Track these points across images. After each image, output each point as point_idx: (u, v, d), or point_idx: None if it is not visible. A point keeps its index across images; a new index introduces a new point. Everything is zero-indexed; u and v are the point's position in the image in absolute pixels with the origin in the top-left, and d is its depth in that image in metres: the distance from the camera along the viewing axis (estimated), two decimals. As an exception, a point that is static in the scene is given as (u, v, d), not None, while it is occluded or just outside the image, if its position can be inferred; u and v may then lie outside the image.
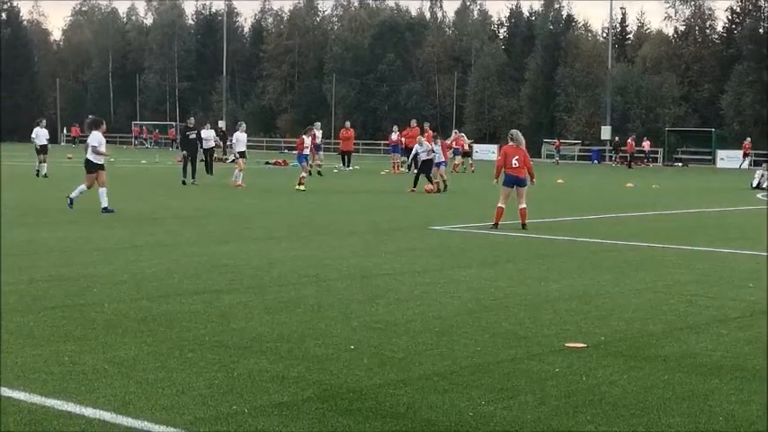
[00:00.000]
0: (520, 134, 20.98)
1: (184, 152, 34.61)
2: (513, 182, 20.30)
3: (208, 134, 41.48)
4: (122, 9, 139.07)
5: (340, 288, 11.98)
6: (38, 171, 35.94)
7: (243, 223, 20.35)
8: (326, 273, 13.31)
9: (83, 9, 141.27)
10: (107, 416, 6.44)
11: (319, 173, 40.12)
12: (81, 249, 15.31)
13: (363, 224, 20.69)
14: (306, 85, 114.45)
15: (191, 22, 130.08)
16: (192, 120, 37.30)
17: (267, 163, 57.32)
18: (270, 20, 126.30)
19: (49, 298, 10.81)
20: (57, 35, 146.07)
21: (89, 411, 6.53)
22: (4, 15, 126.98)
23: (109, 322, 9.53)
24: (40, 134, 36.70)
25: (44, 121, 39.25)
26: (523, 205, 20.21)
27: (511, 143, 20.67)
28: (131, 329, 9.20)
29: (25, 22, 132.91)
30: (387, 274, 13.35)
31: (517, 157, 20.30)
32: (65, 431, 6.15)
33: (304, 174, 31.79)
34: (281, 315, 10.08)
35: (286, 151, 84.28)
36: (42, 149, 36.24)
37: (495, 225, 19.98)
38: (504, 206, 20.14)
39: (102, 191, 21.85)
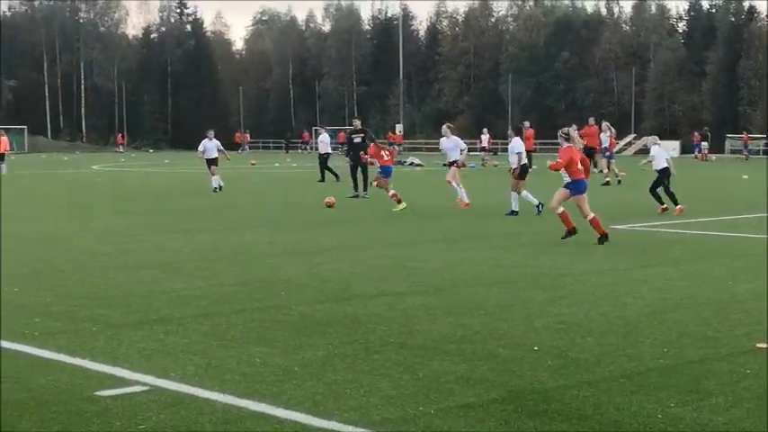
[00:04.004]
0: (573, 130, 18.54)
1: (349, 159, 30.93)
2: (585, 188, 17.30)
3: (324, 138, 40.19)
4: (301, 16, 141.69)
5: (521, 289, 11.96)
6: (217, 187, 32.75)
7: (423, 225, 20.49)
8: (507, 274, 13.31)
9: (263, 18, 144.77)
10: (299, 417, 6.60)
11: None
12: (266, 253, 15.70)
13: (542, 224, 20.55)
14: (481, 86, 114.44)
15: (367, 27, 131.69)
16: (357, 122, 33.69)
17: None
18: (445, 22, 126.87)
19: (239, 301, 11.14)
20: (239, 45, 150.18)
21: (280, 412, 6.71)
22: (188, 27, 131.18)
23: (296, 324, 9.76)
24: (209, 147, 34.21)
25: (212, 132, 35.99)
26: (592, 214, 17.06)
27: (568, 144, 17.42)
28: (318, 332, 9.40)
29: (209, 33, 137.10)
30: (568, 274, 13.25)
31: (580, 159, 17.41)
32: (258, 431, 6.34)
33: (393, 191, 24.99)
34: (463, 317, 10.13)
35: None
36: (213, 162, 33.89)
37: (574, 230, 16.95)
38: (564, 209, 17.12)
39: (526, 194, 22.80)
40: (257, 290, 11.95)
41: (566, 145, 17.47)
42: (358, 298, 11.36)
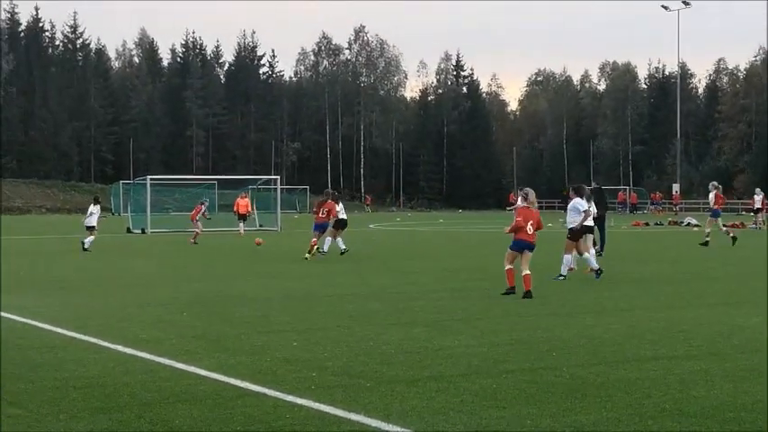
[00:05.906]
0: (532, 193, 18.68)
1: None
2: (524, 247, 18.11)
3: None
4: (576, 76, 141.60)
5: (807, 357, 11.38)
6: None
7: (698, 287, 19.86)
8: (791, 340, 12.69)
9: (538, 79, 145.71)
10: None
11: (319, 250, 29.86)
12: (536, 314, 15.62)
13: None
14: (764, 145, 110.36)
15: (643, 86, 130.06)
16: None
17: (725, 225, 55.70)
18: (725, 79, 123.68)
19: (510, 361, 11.13)
20: (513, 105, 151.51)
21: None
22: (465, 89, 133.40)
23: (567, 386, 9.65)
24: None
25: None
26: (527, 271, 17.88)
27: (524, 203, 18.53)
28: (590, 394, 9.25)
29: (484, 94, 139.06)
30: None
31: (531, 221, 18.02)
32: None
33: (315, 240, 29.09)
34: (743, 383, 9.74)
35: (743, 213, 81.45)
36: None
37: (513, 289, 17.99)
38: (512, 267, 18.19)
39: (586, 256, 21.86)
40: (529, 350, 11.91)
41: (521, 204, 18.68)
42: (632, 361, 11.12)
